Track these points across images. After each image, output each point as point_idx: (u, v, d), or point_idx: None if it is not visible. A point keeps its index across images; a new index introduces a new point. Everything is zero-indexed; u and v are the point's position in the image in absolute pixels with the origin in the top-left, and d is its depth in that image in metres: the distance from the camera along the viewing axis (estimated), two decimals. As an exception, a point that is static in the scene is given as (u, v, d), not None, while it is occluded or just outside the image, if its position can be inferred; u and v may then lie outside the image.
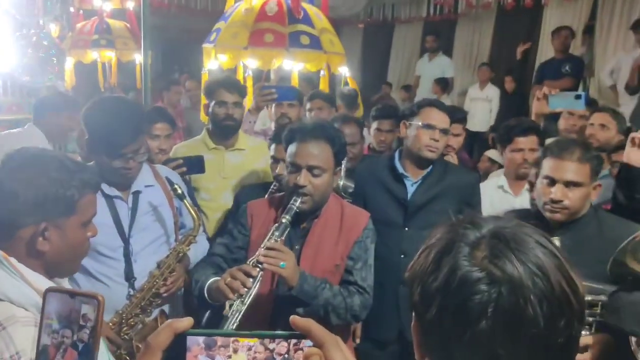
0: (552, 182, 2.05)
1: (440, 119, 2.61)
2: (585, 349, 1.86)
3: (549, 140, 2.77)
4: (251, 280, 1.86)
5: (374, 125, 3.74)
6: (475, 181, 2.79)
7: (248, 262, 1.93)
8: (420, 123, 2.60)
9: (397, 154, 2.73)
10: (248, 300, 1.85)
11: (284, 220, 1.99)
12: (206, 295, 2.00)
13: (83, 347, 0.71)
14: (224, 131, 3.03)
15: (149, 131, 2.82)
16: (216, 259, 2.17)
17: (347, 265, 2.12)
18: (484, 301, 0.77)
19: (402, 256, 2.53)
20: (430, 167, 2.65)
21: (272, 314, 2.09)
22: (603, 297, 1.93)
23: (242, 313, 1.83)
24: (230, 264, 2.12)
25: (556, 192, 2.02)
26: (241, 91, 3.04)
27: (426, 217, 2.57)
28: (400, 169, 2.67)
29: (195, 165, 2.75)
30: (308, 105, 3.73)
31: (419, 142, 2.59)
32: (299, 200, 2.03)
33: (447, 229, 0.88)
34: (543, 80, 5.92)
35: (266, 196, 2.59)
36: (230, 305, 1.85)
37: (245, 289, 1.84)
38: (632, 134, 2.30)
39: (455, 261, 0.81)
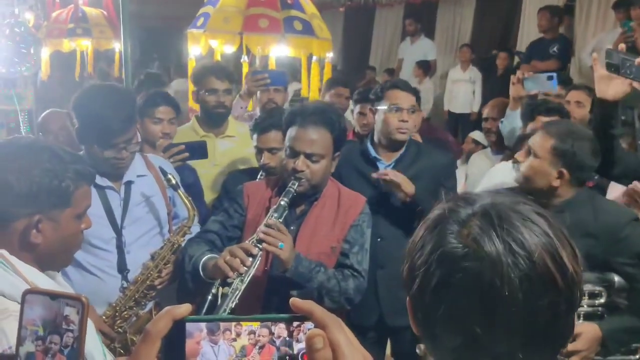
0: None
1: (405, 98, 2.60)
2: (573, 338, 1.88)
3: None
4: (251, 259, 1.86)
5: (356, 109, 3.72)
6: (449, 162, 2.80)
7: (248, 241, 1.93)
8: (386, 107, 2.59)
9: (369, 138, 2.73)
10: (247, 279, 1.85)
11: (282, 203, 2.00)
12: (201, 271, 1.99)
13: (69, 351, 0.68)
14: (215, 118, 3.01)
15: (151, 115, 2.76)
16: (211, 236, 2.16)
17: (343, 249, 2.13)
18: (463, 279, 0.78)
19: (378, 239, 2.52)
20: (403, 149, 2.65)
21: (265, 294, 2.09)
22: (589, 286, 1.96)
23: (241, 292, 1.83)
24: (224, 242, 2.12)
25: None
26: (231, 77, 3.01)
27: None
28: (373, 153, 2.66)
29: (197, 150, 2.71)
30: (327, 95, 3.69)
31: (388, 125, 2.58)
32: (297, 184, 2.04)
33: (441, 205, 0.88)
34: (531, 60, 5.92)
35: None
36: (230, 284, 1.84)
37: (245, 268, 1.84)
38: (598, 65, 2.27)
39: (440, 238, 0.81)
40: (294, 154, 2.08)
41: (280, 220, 1.99)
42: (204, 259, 2.00)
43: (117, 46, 5.73)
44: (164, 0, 8.85)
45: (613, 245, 2.01)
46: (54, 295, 0.68)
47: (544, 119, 2.92)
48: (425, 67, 7.90)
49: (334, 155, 2.15)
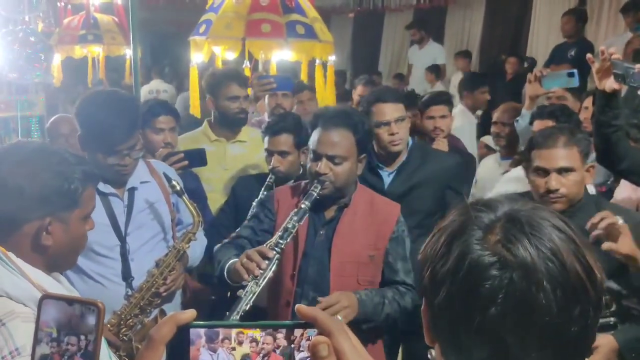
0: (545, 172, 2.03)
1: (391, 110, 2.60)
2: (591, 351, 1.85)
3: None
4: (266, 262, 1.87)
5: None
6: (456, 164, 2.77)
7: (266, 245, 1.95)
8: (374, 122, 2.58)
9: (372, 146, 2.70)
10: (263, 283, 1.87)
11: (302, 206, 2.01)
12: (226, 275, 2.02)
13: (83, 354, 0.69)
14: (235, 124, 3.03)
15: (152, 125, 2.76)
16: (241, 241, 2.19)
17: (389, 263, 2.13)
18: (495, 287, 0.75)
19: None
20: (406, 155, 2.65)
21: (294, 298, 2.11)
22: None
23: (256, 295, 1.85)
24: (255, 246, 2.12)
25: (551, 181, 2.00)
26: (248, 84, 3.04)
27: (406, 207, 2.55)
28: (375, 161, 2.66)
29: (196, 158, 2.73)
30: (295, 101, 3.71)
31: (380, 140, 2.60)
32: (319, 188, 2.04)
33: (460, 211, 0.84)
34: (550, 64, 5.86)
35: (262, 188, 2.62)
36: (244, 287, 1.86)
37: (260, 271, 1.85)
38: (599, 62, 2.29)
39: (467, 245, 0.78)
40: (317, 157, 2.08)
41: (300, 223, 2.00)
42: (229, 263, 2.02)
43: (128, 52, 5.76)
44: (176, 6, 8.88)
45: None
46: (70, 301, 0.70)
47: (537, 122, 2.90)
48: (437, 72, 7.88)
49: (360, 157, 2.14)
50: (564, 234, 0.78)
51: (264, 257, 1.88)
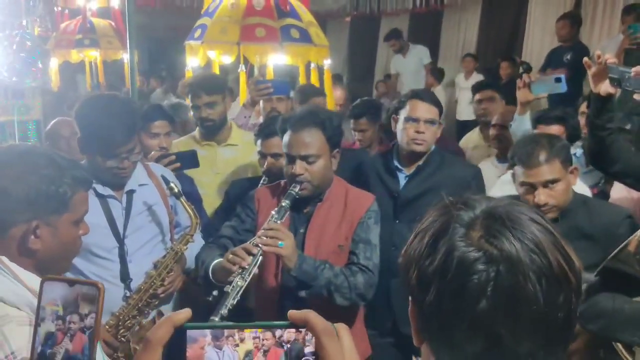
0: (532, 187, 2.09)
1: (424, 110, 2.60)
2: (574, 337, 1.87)
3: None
4: (251, 257, 1.90)
5: (350, 124, 3.73)
6: (472, 175, 2.75)
7: (249, 242, 1.98)
8: (404, 116, 2.60)
9: (394, 148, 2.74)
10: (248, 278, 1.89)
11: (283, 204, 2.04)
12: (211, 276, 2.03)
13: (90, 333, 0.72)
14: (207, 131, 3.06)
15: (148, 130, 2.78)
16: (224, 241, 2.21)
17: (351, 247, 2.14)
18: (483, 281, 0.77)
19: (392, 248, 2.51)
20: (424, 159, 2.64)
21: (279, 297, 2.13)
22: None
23: (242, 289, 1.87)
24: (237, 246, 2.13)
25: (539, 196, 2.06)
26: (211, 89, 2.96)
27: (418, 210, 2.53)
28: (395, 162, 2.67)
29: (188, 160, 2.74)
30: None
31: (405, 135, 2.59)
32: (298, 187, 2.07)
33: (440, 211, 0.87)
34: (547, 68, 5.88)
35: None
36: (230, 283, 1.87)
37: (246, 264, 1.89)
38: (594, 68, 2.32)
39: (452, 243, 0.80)
40: (291, 159, 2.11)
41: (282, 221, 2.03)
42: (213, 263, 2.04)
43: (125, 57, 5.78)
44: (174, 11, 8.88)
45: (612, 244, 2.01)
46: (71, 282, 0.72)
47: (543, 127, 2.92)
48: (437, 74, 7.90)
49: (333, 153, 2.17)
50: (541, 226, 0.82)
51: (249, 253, 1.92)
